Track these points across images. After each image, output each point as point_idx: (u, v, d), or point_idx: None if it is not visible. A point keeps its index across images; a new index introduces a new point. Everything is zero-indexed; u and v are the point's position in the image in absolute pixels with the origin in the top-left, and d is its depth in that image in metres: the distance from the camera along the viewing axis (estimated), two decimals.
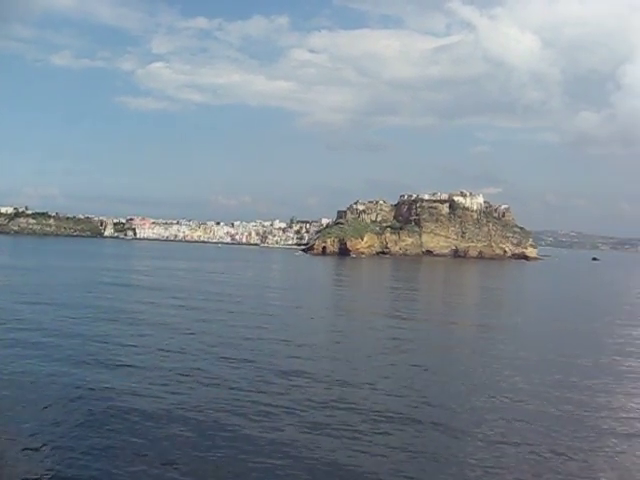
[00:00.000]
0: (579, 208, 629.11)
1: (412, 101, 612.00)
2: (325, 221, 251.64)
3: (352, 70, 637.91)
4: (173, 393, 27.18)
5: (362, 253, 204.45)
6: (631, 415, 27.65)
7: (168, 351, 35.94)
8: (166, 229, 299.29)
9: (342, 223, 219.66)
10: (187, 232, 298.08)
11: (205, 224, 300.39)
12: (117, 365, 31.88)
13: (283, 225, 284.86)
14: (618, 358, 40.08)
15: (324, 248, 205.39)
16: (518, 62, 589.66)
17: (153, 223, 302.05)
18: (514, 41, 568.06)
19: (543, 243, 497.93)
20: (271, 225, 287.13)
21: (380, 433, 23.70)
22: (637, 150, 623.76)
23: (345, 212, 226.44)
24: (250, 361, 34.12)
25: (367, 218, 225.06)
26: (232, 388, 28.57)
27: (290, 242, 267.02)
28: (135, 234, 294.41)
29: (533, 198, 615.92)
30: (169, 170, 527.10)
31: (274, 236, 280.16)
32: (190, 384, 28.82)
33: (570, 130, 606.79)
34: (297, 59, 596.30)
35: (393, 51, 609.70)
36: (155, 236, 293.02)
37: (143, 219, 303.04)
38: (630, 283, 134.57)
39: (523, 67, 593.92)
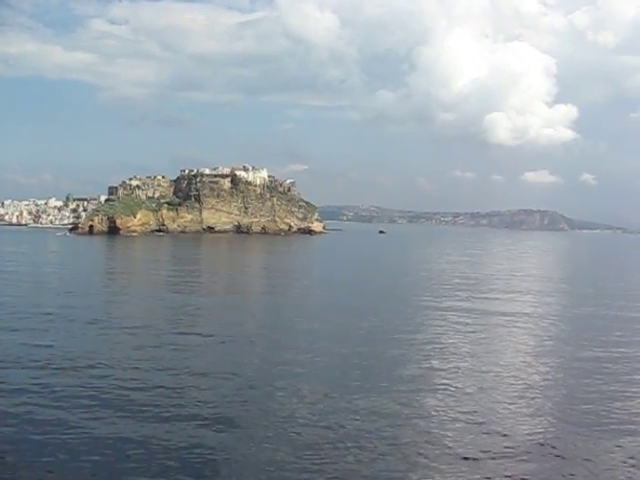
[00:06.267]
0: (380, 183, 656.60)
1: (217, 77, 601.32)
2: (104, 198, 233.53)
3: (155, 43, 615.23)
4: None
5: (134, 231, 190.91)
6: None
7: None
8: None
9: (113, 200, 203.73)
10: None
11: None
12: None
13: (59, 204, 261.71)
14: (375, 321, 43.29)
15: (91, 227, 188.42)
16: (317, 40, 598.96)
17: None
18: (313, 19, 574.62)
19: (344, 218, 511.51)
20: (45, 204, 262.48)
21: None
22: (430, 128, 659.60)
23: (116, 188, 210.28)
24: None
25: (142, 194, 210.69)
26: None
27: (66, 222, 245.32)
28: None
29: (338, 174, 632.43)
30: None
31: (48, 215, 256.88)
32: None
33: (369, 108, 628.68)
34: (97, 30, 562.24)
35: (198, 25, 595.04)
36: None
37: None
38: (394, 254, 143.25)
39: (322, 45, 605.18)
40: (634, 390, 28.05)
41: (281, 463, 19.07)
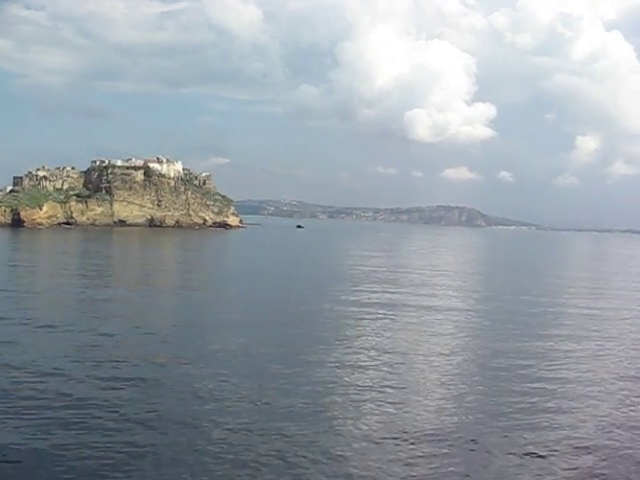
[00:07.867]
0: (302, 178, 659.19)
1: (137, 67, 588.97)
2: (9, 189, 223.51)
3: (73, 31, 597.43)
4: None
5: (40, 224, 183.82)
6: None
7: None
8: None
9: (17, 191, 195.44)
10: None
11: None
12: None
13: None
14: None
15: None
16: (240, 32, 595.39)
17: None
18: (236, 11, 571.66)
19: (266, 212, 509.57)
20: None
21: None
22: (352, 124, 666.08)
23: (21, 179, 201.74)
24: None
25: (50, 186, 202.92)
26: None
27: None
28: None
29: (259, 168, 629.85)
30: None
31: None
32: None
33: (292, 102, 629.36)
34: (13, 15, 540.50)
35: (118, 13, 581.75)
36: None
37: None
38: (307, 250, 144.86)
39: (245, 37, 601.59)
40: (538, 385, 28.25)
41: (199, 466, 18.35)
